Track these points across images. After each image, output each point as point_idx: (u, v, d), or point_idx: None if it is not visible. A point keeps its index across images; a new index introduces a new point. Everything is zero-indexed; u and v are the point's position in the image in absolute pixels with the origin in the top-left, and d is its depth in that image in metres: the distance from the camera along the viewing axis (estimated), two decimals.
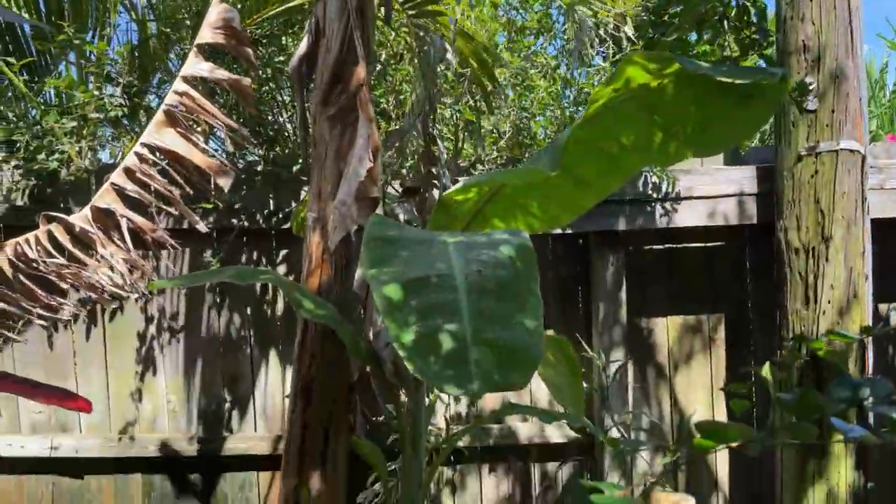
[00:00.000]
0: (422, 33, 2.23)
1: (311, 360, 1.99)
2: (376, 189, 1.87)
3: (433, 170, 2.26)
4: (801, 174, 2.84)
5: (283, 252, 3.11)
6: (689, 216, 3.07)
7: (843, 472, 2.76)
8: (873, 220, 2.95)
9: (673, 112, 1.50)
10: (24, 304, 2.00)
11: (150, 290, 2.83)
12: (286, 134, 3.18)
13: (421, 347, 1.14)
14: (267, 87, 3.21)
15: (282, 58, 3.10)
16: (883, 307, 3.26)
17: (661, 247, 3.24)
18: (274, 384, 3.11)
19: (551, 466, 3.21)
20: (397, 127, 2.51)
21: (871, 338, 2.78)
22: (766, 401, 3.09)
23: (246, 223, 2.98)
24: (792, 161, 2.87)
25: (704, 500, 3.25)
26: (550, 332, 3.11)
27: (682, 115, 1.50)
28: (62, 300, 2.07)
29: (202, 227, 2.09)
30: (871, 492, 2.86)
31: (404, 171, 2.65)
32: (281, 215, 3.01)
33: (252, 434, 3.08)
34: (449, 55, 2.21)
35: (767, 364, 2.65)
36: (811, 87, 2.76)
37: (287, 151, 3.00)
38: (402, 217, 2.21)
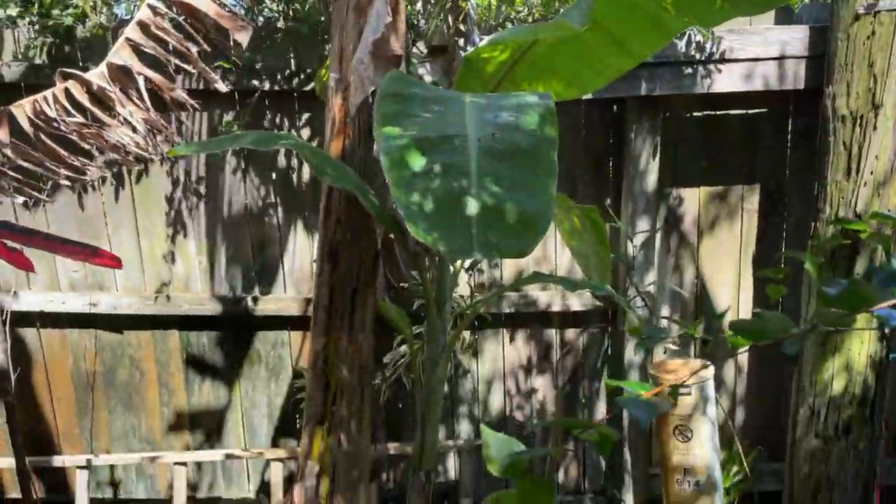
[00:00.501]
0: None
1: (336, 225, 1.98)
2: (398, 46, 1.77)
3: (462, 27, 2.12)
4: (856, 35, 2.63)
5: (306, 115, 3.04)
6: (731, 80, 2.90)
7: (865, 342, 2.77)
8: None
9: None
10: (48, 165, 1.99)
11: (171, 156, 2.82)
12: None
13: (423, 209, 1.10)
14: None
15: None
16: None
17: (699, 113, 3.09)
18: (302, 249, 3.15)
19: (572, 333, 3.28)
20: None
21: None
22: (796, 282, 3.06)
23: (267, 84, 2.89)
24: (848, 21, 2.65)
25: (721, 367, 3.32)
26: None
27: None
28: (86, 161, 2.05)
29: (221, 86, 2.03)
30: (892, 361, 2.88)
31: (430, 28, 2.50)
32: (303, 76, 2.91)
33: (283, 296, 3.16)
34: None
35: (808, 250, 2.60)
36: None
37: (307, 6, 2.84)
38: (427, 78, 2.11)
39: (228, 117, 2.91)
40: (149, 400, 3.27)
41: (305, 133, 3.05)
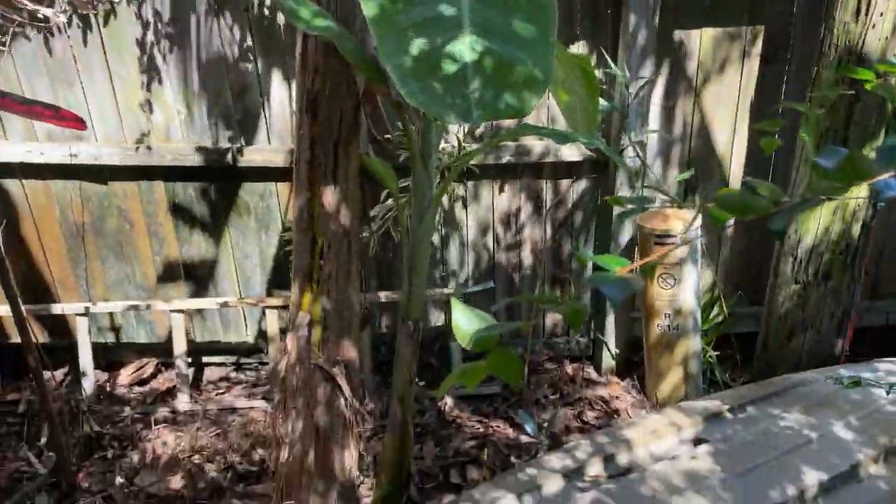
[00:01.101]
0: None
1: (314, 74, 1.88)
2: None
3: None
4: None
5: None
6: None
7: (854, 193, 2.76)
8: None
9: None
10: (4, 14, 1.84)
11: None
12: None
13: (414, 69, 1.02)
14: None
15: None
16: None
17: None
18: (283, 97, 3.03)
19: (564, 183, 3.25)
20: None
21: None
22: (792, 133, 2.99)
23: None
24: None
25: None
26: (573, 49, 2.91)
27: None
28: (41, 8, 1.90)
29: None
30: (879, 210, 2.89)
31: None
32: None
33: (267, 146, 3.09)
34: None
35: (808, 99, 2.49)
36: None
37: None
38: None
39: None
40: (140, 249, 3.30)
41: None
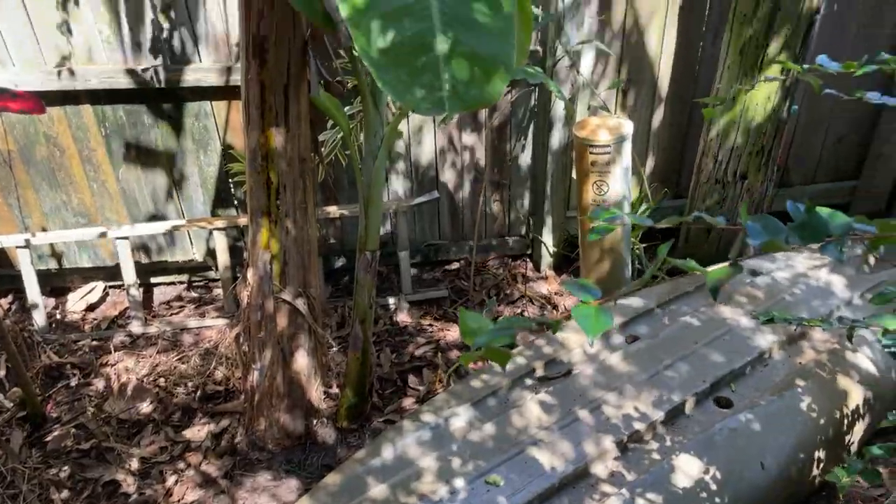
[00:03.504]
0: None
1: (259, 18, 1.86)
2: None
3: None
4: None
5: None
6: None
7: (771, 98, 2.95)
8: None
9: None
10: None
11: None
12: None
13: (389, 61, 1.08)
14: None
15: None
16: None
17: None
18: (213, 12, 2.90)
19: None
20: None
21: None
22: (719, 24, 3.09)
23: None
24: None
25: (637, 123, 3.49)
26: None
27: None
28: None
29: None
30: (793, 113, 3.11)
31: None
32: None
33: (199, 65, 2.99)
34: None
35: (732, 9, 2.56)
36: None
37: None
38: None
39: None
40: (75, 176, 3.22)
41: None
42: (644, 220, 1.07)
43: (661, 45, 3.30)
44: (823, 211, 0.87)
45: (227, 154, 3.23)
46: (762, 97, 2.96)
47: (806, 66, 1.20)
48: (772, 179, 3.24)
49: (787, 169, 3.78)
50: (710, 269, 0.98)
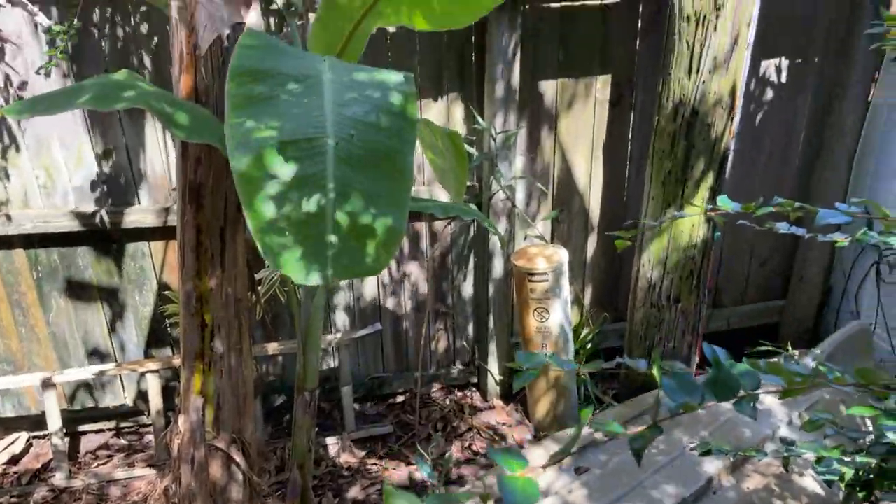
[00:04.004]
0: None
1: (196, 165, 1.89)
2: None
3: None
4: None
5: (143, 9, 2.73)
6: None
7: (696, 226, 3.11)
8: None
9: None
10: None
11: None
12: None
13: (278, 228, 1.05)
14: None
15: None
16: (759, 63, 3.41)
17: (558, 5, 3.10)
18: (153, 155, 2.96)
19: (440, 224, 3.40)
20: None
21: (738, 110, 2.95)
22: (640, 166, 3.31)
23: None
24: None
25: (574, 250, 3.61)
26: (442, 103, 3.06)
27: None
28: None
29: (43, 18, 1.76)
30: (717, 240, 3.27)
31: None
32: None
33: (137, 207, 3.00)
34: None
35: (652, 144, 2.76)
36: None
37: None
38: (279, 0, 1.96)
39: (52, 20, 2.55)
40: (2, 320, 3.09)
41: (144, 28, 2.75)
42: (568, 364, 1.08)
43: (590, 178, 3.48)
44: (737, 367, 0.89)
45: (163, 295, 3.18)
46: (687, 225, 3.12)
47: (709, 206, 1.28)
48: (704, 301, 3.35)
49: (719, 290, 3.92)
50: (631, 431, 0.99)
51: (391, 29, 2.97)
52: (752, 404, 0.84)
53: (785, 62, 3.45)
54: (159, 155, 2.96)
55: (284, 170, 1.06)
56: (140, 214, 2.99)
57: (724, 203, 1.21)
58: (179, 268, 2.03)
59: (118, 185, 2.97)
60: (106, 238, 3.04)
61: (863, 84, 3.43)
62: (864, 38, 3.24)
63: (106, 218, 2.95)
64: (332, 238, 1.05)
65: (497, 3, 1.68)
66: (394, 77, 1.22)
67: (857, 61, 3.38)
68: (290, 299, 2.26)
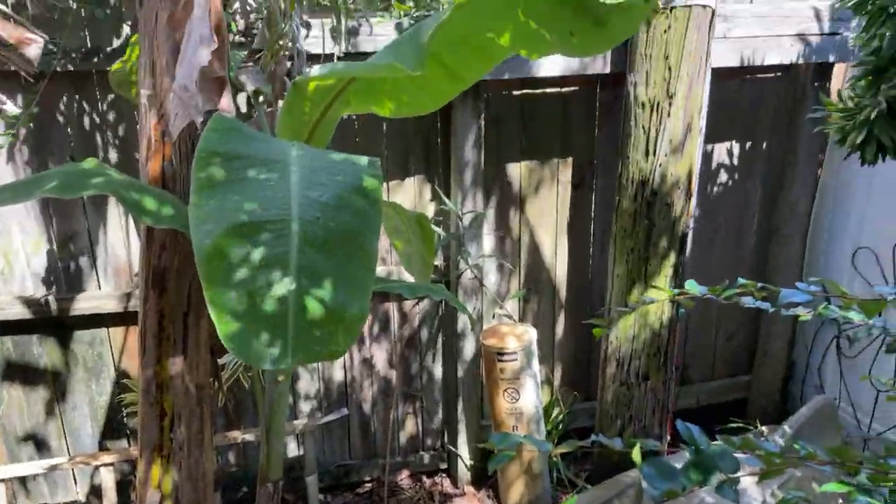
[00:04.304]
0: None
1: (161, 250, 1.87)
2: (221, 68, 1.66)
3: (283, 28, 2.02)
4: (654, 28, 2.86)
5: (111, 97, 2.76)
6: (549, 64, 3.04)
7: (661, 306, 3.15)
8: (712, 69, 3.08)
9: (539, 13, 1.42)
10: None
11: None
12: None
13: (237, 313, 1.03)
14: None
15: None
16: (711, 147, 3.56)
17: (518, 92, 3.23)
18: (115, 239, 2.92)
19: (408, 304, 3.39)
20: None
21: (695, 190, 3.06)
22: (603, 244, 3.38)
23: (60, 66, 2.57)
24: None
25: (543, 329, 3.62)
26: (409, 183, 3.11)
27: (547, 18, 1.42)
28: None
29: (11, 106, 1.78)
30: (681, 317, 3.32)
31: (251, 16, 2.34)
32: (102, 55, 2.62)
33: (97, 293, 2.93)
34: None
35: (614, 221, 2.83)
36: None
37: None
38: (249, 87, 2.00)
39: (17, 105, 2.56)
40: None
41: (110, 116, 2.78)
42: (543, 445, 1.06)
43: (556, 256, 3.53)
44: (714, 449, 0.89)
45: (121, 383, 3.07)
46: (653, 304, 3.16)
47: (676, 290, 1.30)
48: (673, 378, 3.36)
49: (687, 366, 3.94)
50: None
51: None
52: (733, 488, 0.83)
53: (736, 146, 3.61)
54: (122, 240, 2.93)
55: (247, 252, 1.06)
56: (100, 300, 2.92)
57: (692, 287, 1.24)
58: (140, 354, 1.97)
59: (79, 270, 2.91)
60: (63, 325, 2.95)
61: (810, 166, 3.60)
62: (808, 122, 3.41)
63: (63, 305, 2.87)
64: (294, 321, 1.03)
65: (460, 91, 1.74)
66: (360, 161, 1.24)
67: (803, 145, 3.55)
68: (254, 385, 2.20)
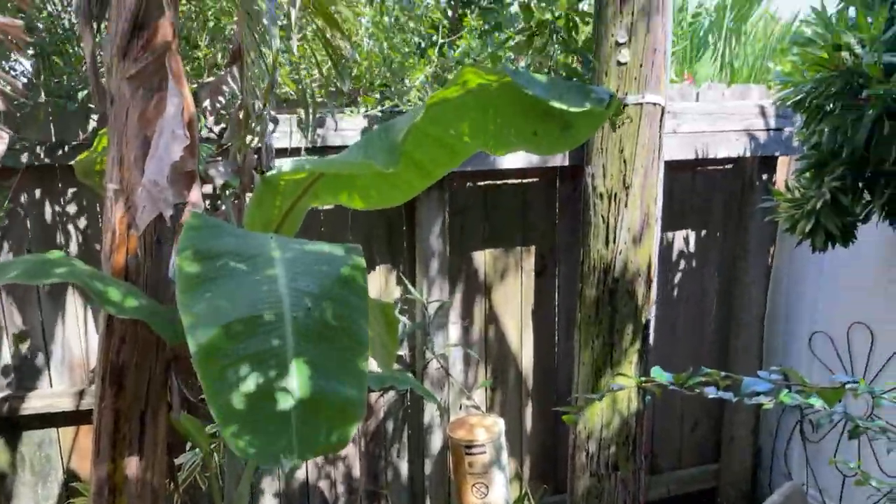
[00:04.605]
0: None
1: (120, 345, 1.82)
2: (192, 163, 1.68)
3: (252, 123, 2.07)
4: (609, 124, 3.00)
5: (72, 190, 2.75)
6: (511, 159, 3.15)
7: (628, 395, 3.15)
8: (665, 162, 3.23)
9: (505, 114, 1.49)
10: None
11: None
12: (67, 53, 2.71)
13: (239, 410, 1.03)
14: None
15: None
16: (668, 235, 3.68)
17: (482, 184, 3.31)
18: (71, 335, 2.83)
19: (373, 396, 3.32)
20: (210, 79, 2.23)
21: (655, 277, 3.13)
22: (569, 332, 3.41)
23: (25, 157, 2.56)
24: None
25: (510, 421, 3.57)
26: (374, 272, 3.12)
27: (513, 119, 1.49)
28: None
29: None
30: (647, 405, 3.31)
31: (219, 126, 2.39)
32: (67, 148, 2.63)
33: (49, 391, 2.81)
34: None
35: (578, 309, 2.87)
36: (622, 42, 2.87)
37: (69, 79, 2.57)
38: (218, 181, 2.02)
39: None
40: None
41: (72, 209, 2.75)
42: None
43: (521, 344, 3.54)
44: None
45: (70, 486, 2.90)
46: (621, 392, 3.16)
47: (642, 377, 1.32)
48: (643, 468, 3.31)
49: (655, 455, 3.90)
50: None
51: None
52: None
53: (692, 234, 3.74)
54: (77, 335, 2.84)
55: (243, 349, 1.05)
56: (52, 399, 2.79)
57: (659, 374, 1.26)
58: (93, 455, 1.88)
59: (32, 367, 2.80)
60: (12, 425, 2.81)
61: (762, 254, 3.73)
62: (758, 211, 3.57)
63: (14, 404, 2.74)
64: (297, 415, 1.02)
65: (428, 185, 1.78)
66: (340, 250, 1.26)
67: (754, 233, 3.70)
68: (211, 486, 2.11)
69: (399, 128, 1.44)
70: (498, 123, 1.48)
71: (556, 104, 1.29)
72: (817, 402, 1.50)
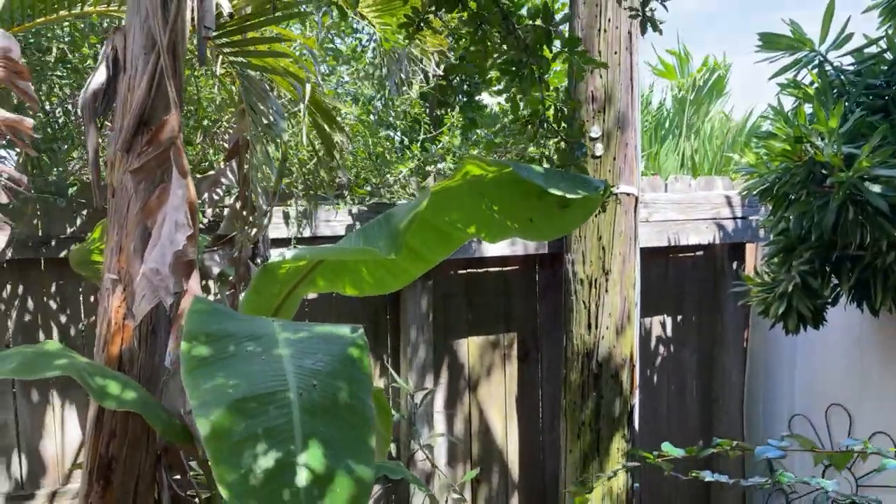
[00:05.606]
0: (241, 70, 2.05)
1: (110, 438, 1.78)
2: (194, 252, 1.71)
3: (245, 213, 2.12)
4: None
5: (57, 283, 2.73)
6: (492, 247, 3.23)
7: (620, 478, 3.12)
8: (640, 249, 3.34)
9: (503, 202, 1.56)
10: None
11: None
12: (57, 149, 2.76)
13: (249, 491, 1.02)
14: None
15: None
16: (646, 320, 3.75)
17: (464, 272, 3.38)
18: (48, 433, 2.73)
19: None
20: (210, 173, 2.30)
21: (637, 361, 3.18)
22: (553, 414, 3.40)
23: (10, 253, 2.55)
24: None
25: None
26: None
27: (511, 207, 1.56)
28: None
29: None
30: (636, 490, 3.28)
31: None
32: (54, 243, 2.64)
33: (21, 492, 2.68)
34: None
35: (563, 394, 2.89)
36: (596, 136, 3.04)
37: (60, 173, 2.61)
38: (214, 270, 2.05)
39: None
40: None
41: (53, 305, 2.73)
42: None
43: (506, 432, 3.50)
44: None
45: None
46: (613, 480, 3.12)
47: (655, 452, 1.34)
48: None
49: None
50: None
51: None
52: None
53: (668, 319, 3.82)
54: (53, 433, 2.74)
55: (251, 428, 1.05)
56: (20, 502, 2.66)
57: (669, 449, 1.28)
58: None
59: (3, 468, 2.68)
60: None
61: (737, 338, 3.83)
62: (731, 296, 3.68)
63: None
64: (307, 493, 1.01)
65: (423, 272, 1.83)
66: (343, 330, 1.28)
67: (728, 317, 3.80)
68: None
69: (400, 217, 1.50)
70: (495, 210, 1.55)
71: (555, 191, 1.37)
72: (813, 482, 1.55)
